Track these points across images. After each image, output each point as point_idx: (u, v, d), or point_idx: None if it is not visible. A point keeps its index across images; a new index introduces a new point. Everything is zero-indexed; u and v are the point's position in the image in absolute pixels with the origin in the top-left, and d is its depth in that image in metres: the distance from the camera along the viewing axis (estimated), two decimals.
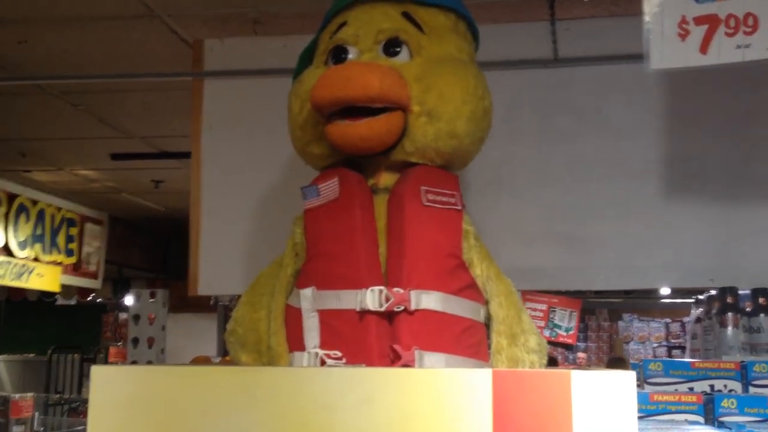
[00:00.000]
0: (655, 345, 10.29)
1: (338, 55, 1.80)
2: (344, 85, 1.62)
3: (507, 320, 1.70)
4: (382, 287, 1.58)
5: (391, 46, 1.77)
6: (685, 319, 10.16)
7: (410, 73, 1.72)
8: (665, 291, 8.20)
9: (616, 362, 6.57)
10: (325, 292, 1.63)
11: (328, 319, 1.61)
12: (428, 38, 1.80)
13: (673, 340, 10.29)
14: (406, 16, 1.80)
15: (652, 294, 9.31)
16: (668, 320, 10.39)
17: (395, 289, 1.58)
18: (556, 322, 3.51)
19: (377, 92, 1.63)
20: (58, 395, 7.30)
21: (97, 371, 1.30)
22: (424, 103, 1.71)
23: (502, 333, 1.69)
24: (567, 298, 3.52)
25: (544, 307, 3.58)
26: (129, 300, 5.30)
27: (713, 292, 2.57)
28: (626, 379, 1.19)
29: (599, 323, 10.35)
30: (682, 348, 10.11)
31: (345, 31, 1.80)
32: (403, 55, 1.77)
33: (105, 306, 10.36)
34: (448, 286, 1.63)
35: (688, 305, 9.22)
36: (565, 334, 3.57)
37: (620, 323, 10.36)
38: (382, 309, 1.57)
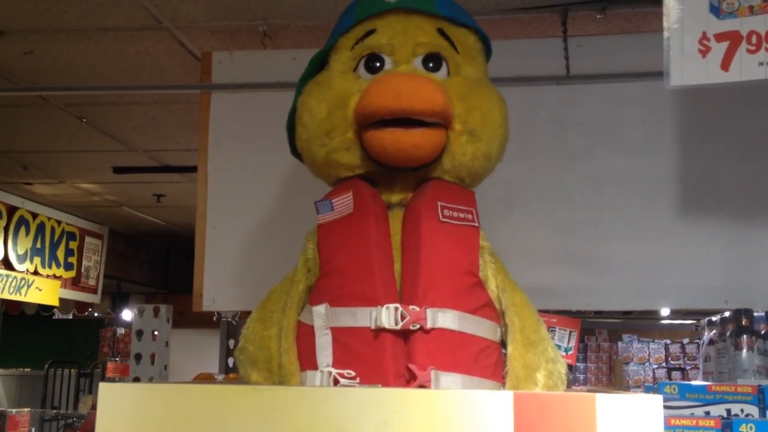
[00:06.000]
0: (655, 366, 10.22)
1: (372, 62, 1.77)
2: (410, 96, 1.59)
3: (524, 329, 1.66)
4: (397, 305, 1.54)
5: (431, 61, 1.77)
6: (685, 341, 10.10)
7: (453, 91, 1.71)
8: (665, 312, 8.13)
9: None
10: (339, 309, 1.59)
11: (342, 336, 1.57)
12: (462, 58, 1.81)
13: (672, 362, 10.23)
14: (441, 32, 1.79)
15: (652, 315, 9.27)
16: (668, 341, 10.33)
17: (411, 307, 1.54)
18: (556, 342, 3.47)
19: (441, 108, 1.62)
20: (54, 410, 7.25)
21: (105, 388, 1.26)
22: (467, 122, 1.71)
23: (519, 341, 1.65)
24: (566, 318, 3.49)
25: None
26: (129, 315, 5.27)
27: (727, 314, 2.53)
28: (653, 402, 1.16)
29: (599, 344, 10.28)
30: (682, 369, 10.06)
31: (377, 38, 1.77)
32: (443, 71, 1.77)
33: (103, 320, 10.30)
34: (464, 305, 1.59)
35: (688, 326, 9.20)
36: (564, 354, 3.52)
37: (620, 344, 10.30)
38: (398, 327, 1.53)
